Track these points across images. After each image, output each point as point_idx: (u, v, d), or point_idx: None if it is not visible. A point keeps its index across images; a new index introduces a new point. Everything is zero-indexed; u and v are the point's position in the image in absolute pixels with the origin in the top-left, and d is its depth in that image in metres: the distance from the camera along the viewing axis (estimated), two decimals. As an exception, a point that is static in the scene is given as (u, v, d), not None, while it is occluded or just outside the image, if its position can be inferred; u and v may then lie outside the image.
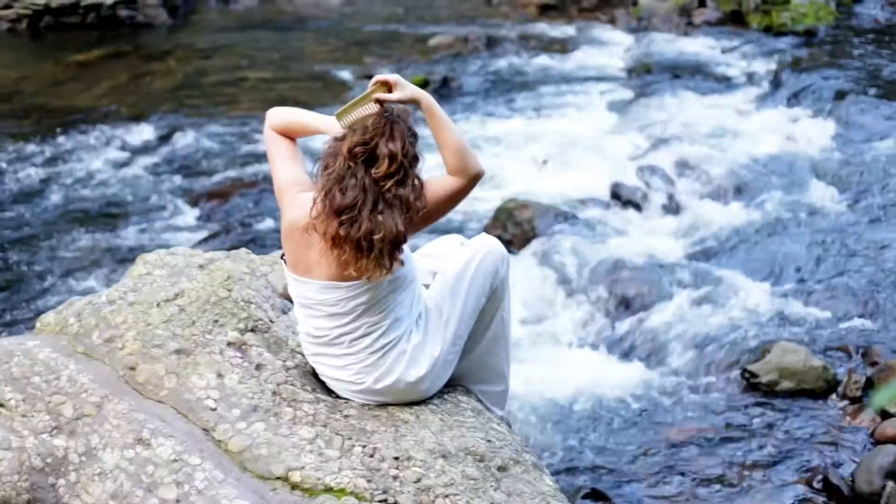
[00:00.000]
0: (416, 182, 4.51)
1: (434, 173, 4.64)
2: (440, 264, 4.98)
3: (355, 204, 4.41)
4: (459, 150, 4.56)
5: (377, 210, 4.42)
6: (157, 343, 4.87)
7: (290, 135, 4.91)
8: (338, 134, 4.55)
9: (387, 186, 4.43)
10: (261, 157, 13.50)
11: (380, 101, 4.53)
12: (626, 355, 8.76)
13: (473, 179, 4.62)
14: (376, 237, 4.39)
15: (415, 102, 4.55)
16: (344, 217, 4.42)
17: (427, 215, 4.60)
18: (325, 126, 4.73)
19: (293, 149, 4.90)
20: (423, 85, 15.95)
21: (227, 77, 17.89)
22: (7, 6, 21.44)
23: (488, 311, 4.94)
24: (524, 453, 4.83)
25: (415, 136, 4.55)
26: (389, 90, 4.52)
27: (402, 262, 4.51)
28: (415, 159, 4.52)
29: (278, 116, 4.92)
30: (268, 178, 12.21)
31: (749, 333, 8.66)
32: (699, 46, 17.58)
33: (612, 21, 20.25)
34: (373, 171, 4.43)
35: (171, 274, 5.32)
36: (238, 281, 5.24)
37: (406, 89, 4.51)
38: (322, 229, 4.46)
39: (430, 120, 4.55)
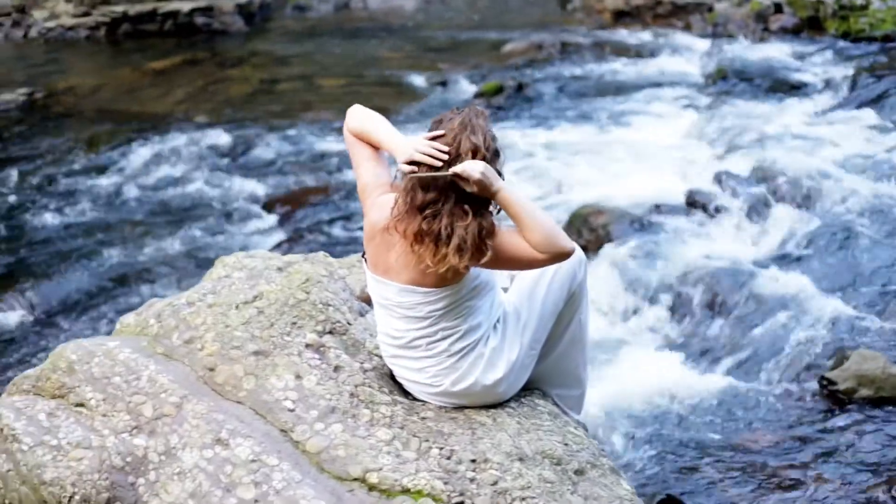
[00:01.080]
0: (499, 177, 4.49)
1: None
2: (518, 268, 4.97)
3: (438, 199, 4.41)
4: (542, 233, 4.40)
5: (459, 203, 4.41)
6: (235, 344, 4.91)
7: (363, 141, 4.91)
8: (402, 166, 4.52)
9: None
10: (335, 163, 13.59)
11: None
12: (701, 361, 8.70)
13: (557, 258, 4.49)
14: (459, 225, 4.38)
15: (489, 196, 4.43)
16: (427, 212, 4.42)
17: (502, 262, 4.54)
18: (394, 148, 4.65)
19: (375, 150, 4.90)
20: (498, 91, 15.97)
21: (301, 83, 18.01)
22: (86, 14, 21.74)
23: (566, 314, 4.94)
24: (601, 457, 4.82)
25: (494, 136, 4.54)
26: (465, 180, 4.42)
27: (478, 261, 4.49)
28: (496, 154, 4.50)
29: (356, 121, 4.90)
30: (342, 184, 12.32)
31: (826, 340, 8.56)
32: (775, 52, 17.43)
33: (688, 27, 20.16)
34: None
35: (250, 276, 5.36)
36: (316, 283, 5.27)
37: (484, 188, 4.38)
38: (403, 228, 4.46)
39: (508, 210, 4.44)
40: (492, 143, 4.49)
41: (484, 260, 4.44)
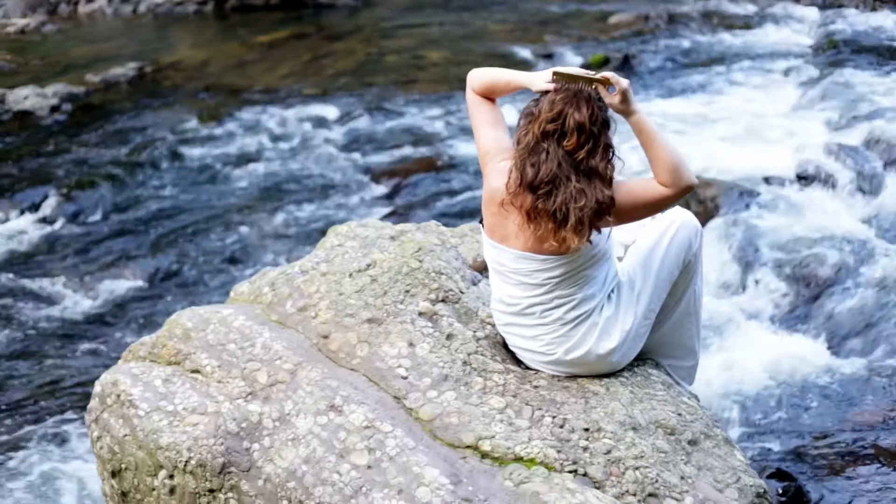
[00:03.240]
0: (609, 151, 4.47)
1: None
2: (633, 236, 4.95)
3: (551, 178, 4.40)
4: (671, 164, 4.46)
5: (573, 181, 4.40)
6: (349, 312, 4.94)
7: (492, 95, 4.92)
8: (542, 88, 4.55)
9: (580, 157, 4.41)
10: (442, 135, 13.59)
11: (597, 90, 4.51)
12: (812, 336, 8.59)
13: (684, 191, 4.52)
14: (574, 206, 4.37)
15: (624, 114, 4.50)
16: (540, 191, 4.42)
17: (625, 215, 4.56)
18: (528, 81, 4.69)
19: (496, 113, 4.91)
20: (604, 63, 15.87)
21: (408, 56, 18.03)
22: (194, -12, 21.97)
23: (680, 284, 4.91)
24: (715, 428, 4.78)
25: (604, 106, 4.51)
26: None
27: (599, 232, 4.48)
28: (605, 125, 4.47)
29: (480, 77, 4.92)
30: (449, 156, 12.33)
31: (942, 316, 8.44)
32: (888, 22, 17.10)
33: (797, -3, 19.85)
34: (564, 143, 4.42)
35: (363, 245, 5.39)
36: (429, 252, 5.29)
37: (625, 102, 4.46)
38: (518, 203, 4.47)
39: (640, 136, 4.50)
40: (600, 115, 4.46)
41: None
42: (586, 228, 4.41)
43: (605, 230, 4.56)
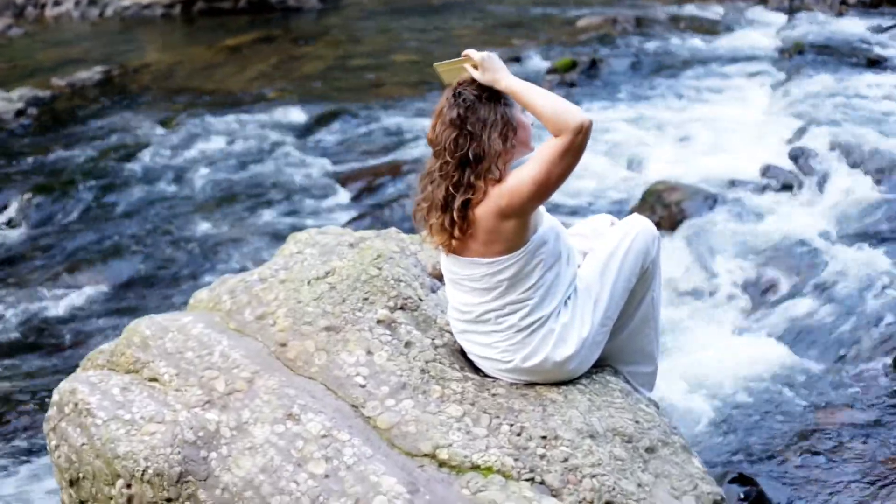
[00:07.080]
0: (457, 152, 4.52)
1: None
2: (591, 244, 4.96)
3: (422, 187, 4.64)
4: (552, 112, 4.38)
5: (431, 183, 4.58)
6: (307, 320, 4.93)
7: None
8: None
9: (437, 164, 4.53)
10: (408, 140, 13.57)
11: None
12: (774, 339, 8.60)
13: (577, 132, 4.36)
14: (423, 206, 4.60)
15: (494, 83, 4.50)
16: (424, 181, 4.66)
17: (540, 181, 4.45)
18: None
19: None
20: (571, 67, 15.88)
21: (375, 60, 18.03)
22: (162, -8, 21.95)
23: (638, 291, 4.91)
24: (672, 435, 4.79)
25: (471, 109, 4.53)
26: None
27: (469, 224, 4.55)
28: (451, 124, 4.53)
29: None
30: (414, 161, 12.32)
31: (902, 318, 8.46)
32: (854, 27, 17.20)
33: (764, 1, 19.94)
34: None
35: (322, 252, 5.38)
36: (388, 259, 5.28)
37: (486, 73, 4.49)
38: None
39: (516, 100, 4.51)
40: (455, 124, 4.52)
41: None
42: (447, 223, 4.54)
43: (553, 231, 4.63)
